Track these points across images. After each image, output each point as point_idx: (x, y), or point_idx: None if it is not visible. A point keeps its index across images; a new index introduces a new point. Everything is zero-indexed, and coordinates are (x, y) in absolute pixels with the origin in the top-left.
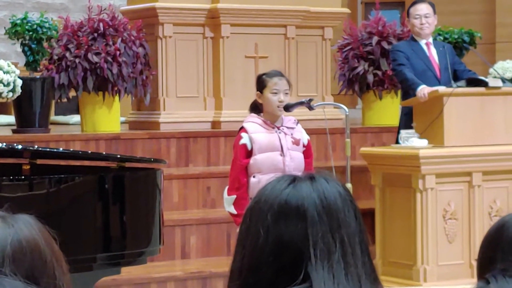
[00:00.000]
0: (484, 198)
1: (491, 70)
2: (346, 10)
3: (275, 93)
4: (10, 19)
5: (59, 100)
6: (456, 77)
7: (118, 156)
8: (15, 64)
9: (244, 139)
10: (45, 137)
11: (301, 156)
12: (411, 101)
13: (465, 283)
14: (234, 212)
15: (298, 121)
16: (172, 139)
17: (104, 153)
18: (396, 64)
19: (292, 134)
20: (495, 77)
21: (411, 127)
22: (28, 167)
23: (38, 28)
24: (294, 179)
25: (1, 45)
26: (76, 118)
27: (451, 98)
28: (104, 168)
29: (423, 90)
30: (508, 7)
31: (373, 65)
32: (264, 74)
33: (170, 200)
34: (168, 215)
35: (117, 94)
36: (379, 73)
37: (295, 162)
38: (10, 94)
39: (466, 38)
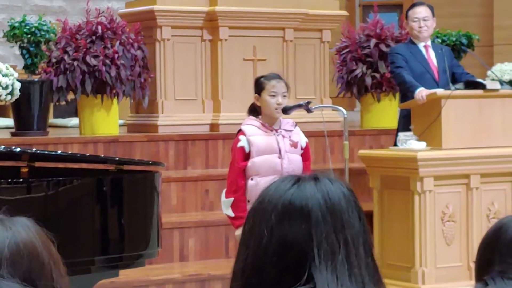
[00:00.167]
0: (482, 200)
1: (489, 72)
2: (344, 12)
3: (273, 95)
4: (8, 22)
5: (57, 103)
6: (455, 80)
7: (117, 158)
8: (14, 67)
9: (242, 142)
10: (43, 139)
11: (299, 158)
12: (409, 104)
13: (463, 285)
14: (232, 214)
15: (296, 124)
16: (171, 142)
17: (102, 155)
18: (394, 66)
19: (290, 137)
20: (493, 79)
21: (409, 130)
22: (26, 170)
23: (37, 31)
24: (298, 179)
25: None
26: (74, 121)
27: (449, 101)
28: (103, 171)
29: (421, 92)
30: (506, 10)
31: (371, 67)
32: (262, 76)
33: (169, 202)
34: (167, 218)
35: (116, 97)
36: (377, 75)
37: (293, 164)
38: (9, 97)
39: (464, 41)
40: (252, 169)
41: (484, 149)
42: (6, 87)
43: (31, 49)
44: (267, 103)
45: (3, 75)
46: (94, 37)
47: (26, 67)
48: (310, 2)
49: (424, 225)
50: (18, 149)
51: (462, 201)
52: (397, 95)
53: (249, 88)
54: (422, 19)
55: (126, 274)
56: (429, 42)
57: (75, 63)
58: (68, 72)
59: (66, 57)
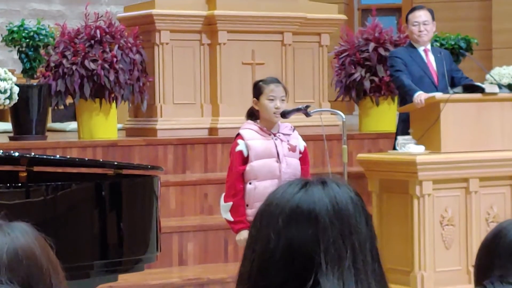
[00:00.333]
0: (481, 204)
1: (487, 76)
2: (343, 16)
3: (272, 99)
4: (7, 26)
5: (56, 107)
6: (454, 84)
7: (115, 163)
8: (12, 71)
9: (240, 146)
10: (42, 144)
11: (297, 162)
12: (408, 107)
13: None
14: (231, 219)
15: (295, 128)
16: (169, 146)
17: (101, 160)
18: (393, 70)
19: (288, 141)
20: (491, 83)
21: (408, 133)
22: (25, 174)
23: (35, 35)
24: (305, 184)
25: None
26: (73, 125)
27: (448, 104)
28: (101, 175)
29: (420, 96)
30: (504, 14)
31: (370, 71)
32: (260, 80)
33: (167, 207)
34: (165, 222)
35: (114, 101)
36: (376, 79)
37: (291, 168)
38: (7, 101)
39: (463, 44)
40: (250, 173)
41: (483, 152)
42: (5, 92)
43: (30, 53)
44: (265, 107)
45: (1, 80)
46: (92, 41)
47: (24, 71)
48: (308, 6)
49: (423, 229)
50: (16, 154)
51: (461, 205)
52: (396, 98)
53: (247, 92)
54: (422, 23)
55: (125, 279)
56: (428, 46)
57: (74, 67)
58: (66, 76)
59: (64, 61)
